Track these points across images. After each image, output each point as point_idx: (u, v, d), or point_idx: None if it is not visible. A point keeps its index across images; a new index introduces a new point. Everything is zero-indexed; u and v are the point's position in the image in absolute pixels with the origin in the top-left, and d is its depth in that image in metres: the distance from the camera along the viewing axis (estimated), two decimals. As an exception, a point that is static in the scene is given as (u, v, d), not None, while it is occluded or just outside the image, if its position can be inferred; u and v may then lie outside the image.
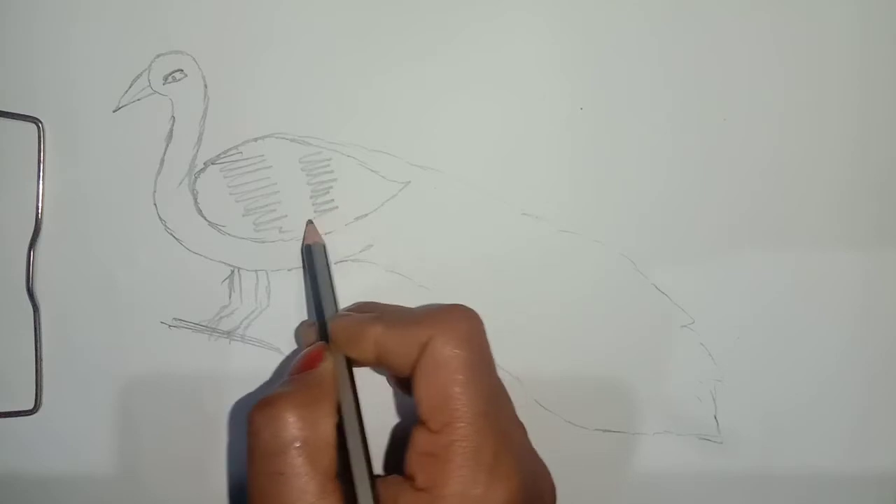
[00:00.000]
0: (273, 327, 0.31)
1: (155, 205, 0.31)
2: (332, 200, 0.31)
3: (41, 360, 0.31)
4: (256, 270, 0.31)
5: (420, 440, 0.25)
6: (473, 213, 0.31)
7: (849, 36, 0.32)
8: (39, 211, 0.31)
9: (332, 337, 0.27)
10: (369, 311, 0.28)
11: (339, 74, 0.31)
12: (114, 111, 0.31)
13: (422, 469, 0.24)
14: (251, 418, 0.24)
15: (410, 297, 0.30)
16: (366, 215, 0.31)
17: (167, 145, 0.31)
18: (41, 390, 0.31)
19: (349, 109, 0.31)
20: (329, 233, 0.31)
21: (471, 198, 0.31)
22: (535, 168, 0.31)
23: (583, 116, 0.31)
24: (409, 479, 0.25)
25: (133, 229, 0.31)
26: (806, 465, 0.32)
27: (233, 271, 0.31)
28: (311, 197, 0.31)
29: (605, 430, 0.32)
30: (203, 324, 0.31)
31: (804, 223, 0.32)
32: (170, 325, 0.31)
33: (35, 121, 0.31)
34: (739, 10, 0.31)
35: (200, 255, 0.31)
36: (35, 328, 0.31)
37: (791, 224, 0.32)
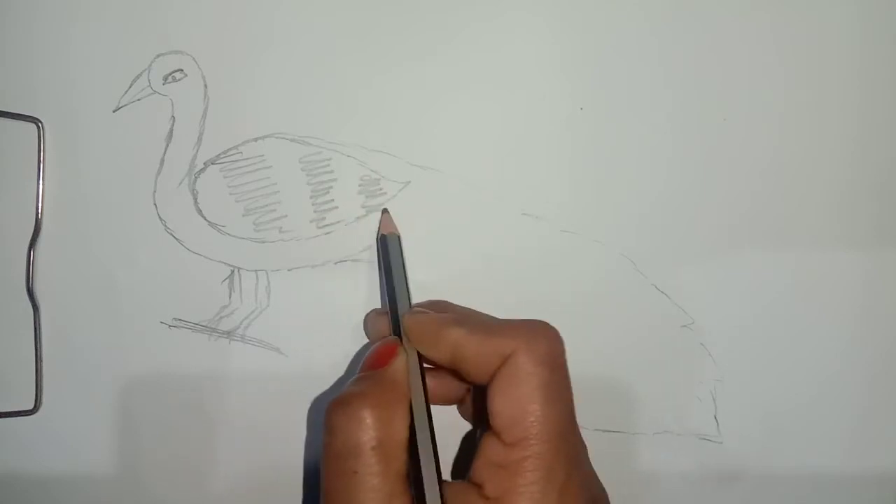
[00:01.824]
0: (273, 327, 0.31)
1: (155, 205, 0.31)
2: (332, 200, 0.31)
3: (41, 360, 0.31)
4: (256, 270, 0.31)
5: (491, 450, 0.25)
6: (473, 213, 0.31)
7: (849, 36, 0.32)
8: (39, 211, 0.31)
9: (408, 333, 0.27)
10: (444, 311, 0.28)
11: (339, 74, 0.31)
12: (114, 111, 0.31)
13: (491, 479, 0.24)
14: (328, 417, 0.25)
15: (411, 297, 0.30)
16: (366, 215, 0.31)
17: (167, 145, 0.31)
18: (41, 390, 0.31)
19: (349, 109, 0.31)
20: (329, 233, 0.31)
21: (471, 198, 0.31)
22: (535, 168, 0.31)
23: (583, 116, 0.31)
24: (477, 486, 0.25)
25: (133, 229, 0.31)
26: (806, 465, 0.32)
27: (233, 271, 0.31)
28: (311, 197, 0.31)
29: (605, 430, 0.32)
30: (203, 324, 0.31)
31: (804, 223, 0.32)
32: (170, 325, 0.31)
33: (35, 121, 0.31)
34: (739, 10, 0.31)
35: (200, 255, 0.31)
36: (35, 328, 0.31)
37: (791, 224, 0.32)
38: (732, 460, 0.32)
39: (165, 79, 0.31)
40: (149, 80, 0.31)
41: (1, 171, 0.31)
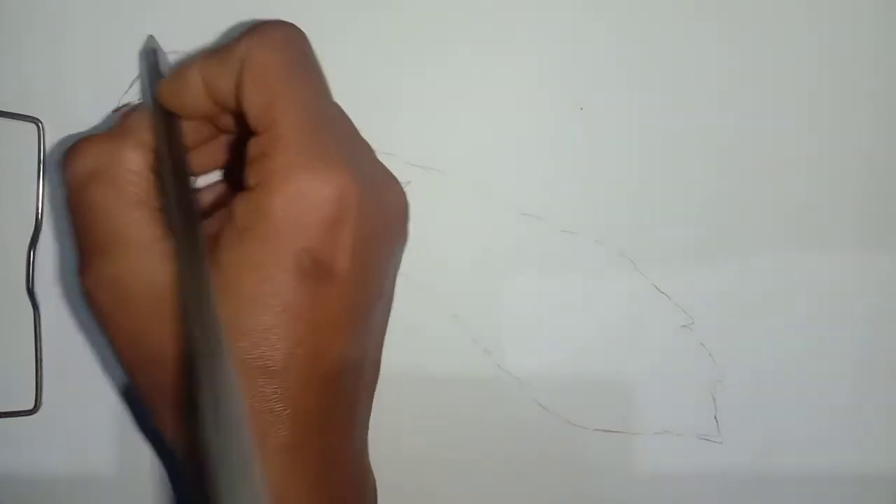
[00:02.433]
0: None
1: (155, 205, 0.31)
2: (332, 200, 0.31)
3: (41, 360, 0.31)
4: (256, 270, 0.31)
5: (251, 148, 0.24)
6: (473, 213, 0.31)
7: (850, 35, 0.32)
8: (39, 211, 0.31)
9: (161, 96, 0.26)
10: None
11: (338, 74, 0.31)
12: (114, 111, 0.31)
13: (253, 172, 0.24)
14: (62, 163, 0.25)
15: (411, 297, 0.30)
16: (366, 215, 0.31)
17: (167, 145, 0.31)
18: (41, 390, 0.31)
19: (349, 109, 0.31)
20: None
21: (471, 198, 0.31)
22: (535, 168, 0.31)
23: (583, 116, 0.31)
24: (245, 185, 0.24)
25: (133, 229, 0.31)
26: (806, 465, 0.32)
27: (233, 271, 0.31)
28: (311, 197, 0.31)
29: (605, 430, 0.32)
30: (203, 324, 0.31)
31: (804, 223, 0.32)
32: (170, 325, 0.31)
33: (35, 121, 0.31)
34: (739, 10, 0.31)
35: (200, 255, 0.31)
36: (35, 328, 0.31)
37: (792, 224, 0.32)
38: (732, 460, 0.32)
39: (165, 79, 0.31)
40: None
41: (1, 171, 0.31)
